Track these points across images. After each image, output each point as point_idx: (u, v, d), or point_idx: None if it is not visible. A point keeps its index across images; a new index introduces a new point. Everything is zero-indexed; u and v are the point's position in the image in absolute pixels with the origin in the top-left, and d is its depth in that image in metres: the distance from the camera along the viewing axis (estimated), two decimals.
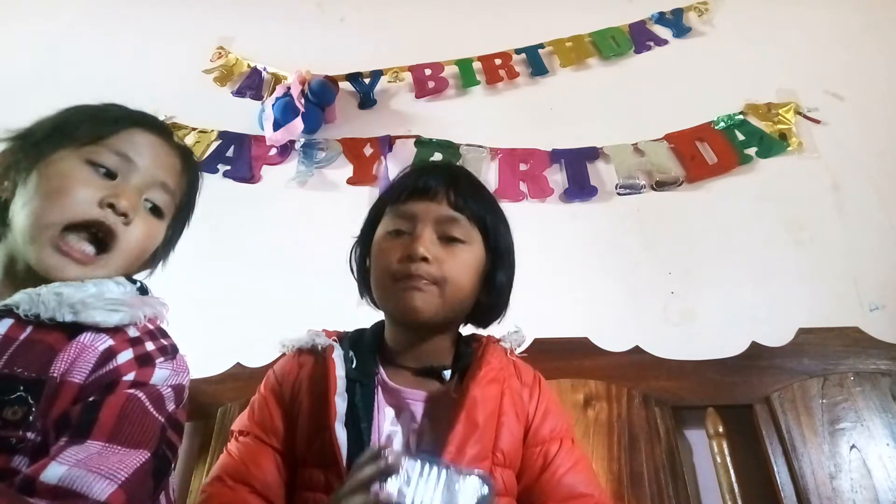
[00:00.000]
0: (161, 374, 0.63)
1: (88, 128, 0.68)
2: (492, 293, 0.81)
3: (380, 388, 0.75)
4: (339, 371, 0.74)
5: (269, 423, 0.75)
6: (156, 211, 0.72)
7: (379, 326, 0.84)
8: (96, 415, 0.57)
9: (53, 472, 0.52)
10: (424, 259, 0.73)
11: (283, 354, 0.82)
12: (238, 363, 1.21)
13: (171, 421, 0.62)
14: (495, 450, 0.71)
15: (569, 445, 0.77)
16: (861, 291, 1.28)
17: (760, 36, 1.72)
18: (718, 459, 1.04)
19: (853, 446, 1.02)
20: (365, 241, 0.84)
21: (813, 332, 1.16)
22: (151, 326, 0.67)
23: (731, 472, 1.02)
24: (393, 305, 0.77)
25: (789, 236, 1.37)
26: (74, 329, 0.61)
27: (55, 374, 0.58)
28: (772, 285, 1.30)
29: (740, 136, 1.53)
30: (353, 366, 0.76)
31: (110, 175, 0.67)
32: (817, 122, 1.54)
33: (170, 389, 0.63)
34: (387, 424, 0.73)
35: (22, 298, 0.61)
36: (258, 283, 1.41)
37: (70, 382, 0.58)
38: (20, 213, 0.65)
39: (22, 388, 0.56)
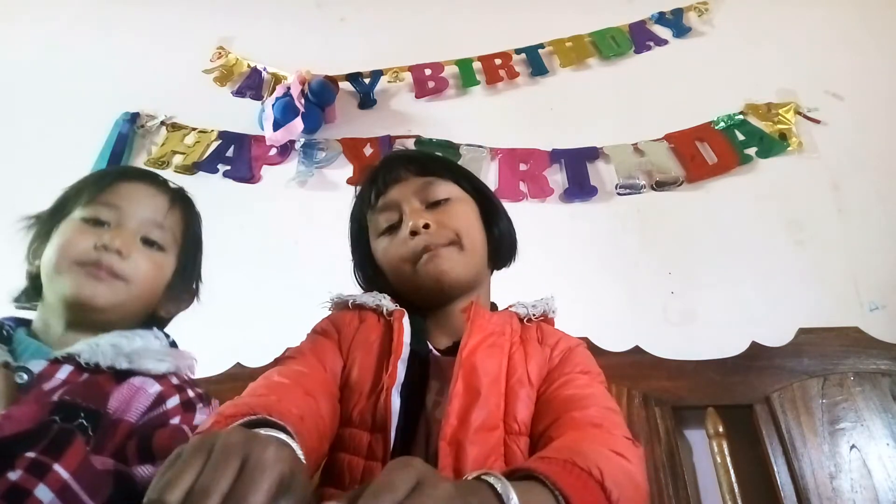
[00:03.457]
0: (200, 418, 0.71)
1: (84, 192, 0.79)
2: (495, 240, 0.81)
3: (430, 359, 0.73)
4: (406, 338, 0.71)
5: (330, 361, 0.71)
6: (152, 244, 0.79)
7: None
8: (150, 442, 0.65)
9: None
10: (426, 227, 0.74)
11: (333, 307, 0.79)
12: (238, 363, 1.21)
13: None
14: (508, 419, 0.67)
15: (587, 380, 0.71)
16: (861, 291, 1.28)
17: (760, 36, 1.72)
18: (718, 459, 1.04)
19: (853, 446, 1.02)
20: (363, 258, 0.84)
21: (813, 332, 1.16)
22: (185, 376, 0.77)
23: (731, 472, 1.02)
24: (423, 281, 0.75)
25: (789, 236, 1.37)
26: (122, 374, 0.70)
27: (111, 412, 0.66)
28: (772, 285, 1.30)
29: (740, 136, 1.53)
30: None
31: (101, 223, 0.76)
32: (817, 122, 1.54)
33: None
34: (431, 395, 0.70)
35: (83, 348, 0.69)
36: (258, 283, 1.41)
37: (125, 421, 0.66)
38: (43, 270, 0.75)
39: (83, 414, 0.63)
